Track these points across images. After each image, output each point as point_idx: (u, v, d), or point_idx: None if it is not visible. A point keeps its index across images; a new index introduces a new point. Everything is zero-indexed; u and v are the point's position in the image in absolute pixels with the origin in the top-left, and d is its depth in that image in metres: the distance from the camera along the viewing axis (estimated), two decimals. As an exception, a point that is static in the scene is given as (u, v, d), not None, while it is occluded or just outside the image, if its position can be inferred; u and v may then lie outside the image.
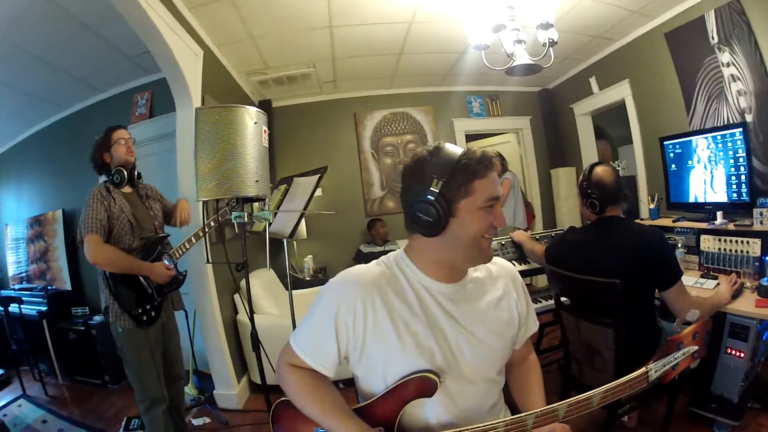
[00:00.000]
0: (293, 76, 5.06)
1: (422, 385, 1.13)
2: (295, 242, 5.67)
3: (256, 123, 2.25)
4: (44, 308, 4.56)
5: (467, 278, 1.26)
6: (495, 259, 1.33)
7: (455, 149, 1.15)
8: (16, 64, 3.85)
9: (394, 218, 5.80)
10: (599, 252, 2.22)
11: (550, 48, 2.93)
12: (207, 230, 2.65)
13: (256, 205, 2.45)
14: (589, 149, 5.91)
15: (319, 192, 5.45)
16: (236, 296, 3.89)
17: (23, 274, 5.52)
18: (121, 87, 4.62)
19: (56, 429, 3.52)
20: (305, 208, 2.72)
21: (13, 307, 4.53)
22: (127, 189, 2.66)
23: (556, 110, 6.36)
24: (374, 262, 1.28)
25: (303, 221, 5.01)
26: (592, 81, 5.32)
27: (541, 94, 6.48)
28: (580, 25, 4.24)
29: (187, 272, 3.43)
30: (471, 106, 6.34)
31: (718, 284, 2.65)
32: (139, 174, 2.74)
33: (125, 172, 2.60)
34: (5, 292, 5.23)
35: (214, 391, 3.69)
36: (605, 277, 2.05)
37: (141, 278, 2.48)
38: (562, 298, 2.51)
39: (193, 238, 2.61)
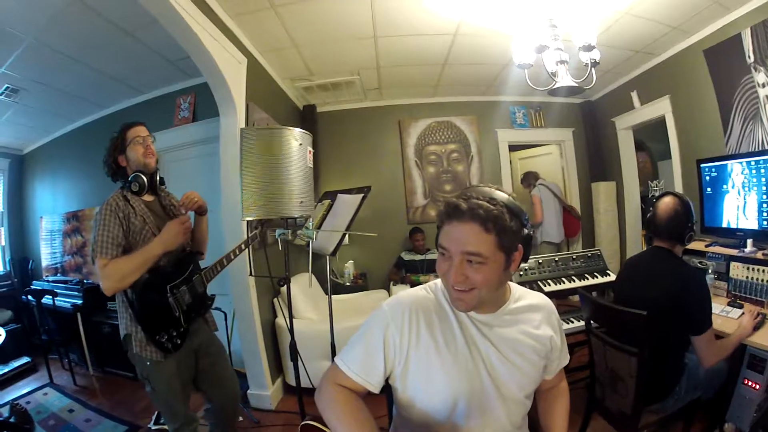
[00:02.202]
0: (337, 83, 5.32)
1: None
2: None
3: (300, 144, 2.36)
4: (79, 302, 4.80)
5: (504, 309, 1.41)
6: (536, 293, 1.53)
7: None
8: (51, 65, 4.06)
9: (434, 228, 5.91)
10: (643, 278, 2.46)
11: (593, 68, 3.09)
12: (236, 255, 2.52)
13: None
14: (629, 164, 6.07)
15: None
16: (276, 300, 4.13)
17: (57, 266, 5.81)
18: (164, 89, 4.85)
19: (83, 419, 3.67)
20: (347, 229, 2.89)
21: (47, 299, 4.75)
22: (148, 197, 2.38)
23: (598, 123, 6.54)
24: (422, 287, 1.48)
25: (347, 232, 5.38)
26: (634, 95, 5.45)
27: (583, 106, 6.64)
28: (622, 39, 4.41)
29: (228, 280, 3.66)
30: (514, 117, 6.53)
31: (743, 314, 2.79)
32: (161, 179, 2.44)
33: (144, 179, 2.30)
34: (38, 284, 5.48)
35: (248, 391, 3.88)
36: (639, 305, 2.19)
37: (170, 299, 2.26)
38: (592, 322, 2.68)
39: (224, 260, 2.48)
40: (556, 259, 3.88)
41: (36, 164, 6.31)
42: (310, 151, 2.45)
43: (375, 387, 1.36)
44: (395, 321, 1.35)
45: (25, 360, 4.99)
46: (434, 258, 5.52)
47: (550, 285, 3.70)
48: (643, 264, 2.59)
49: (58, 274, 5.77)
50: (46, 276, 5.88)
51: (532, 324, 1.45)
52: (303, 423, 1.45)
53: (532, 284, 3.61)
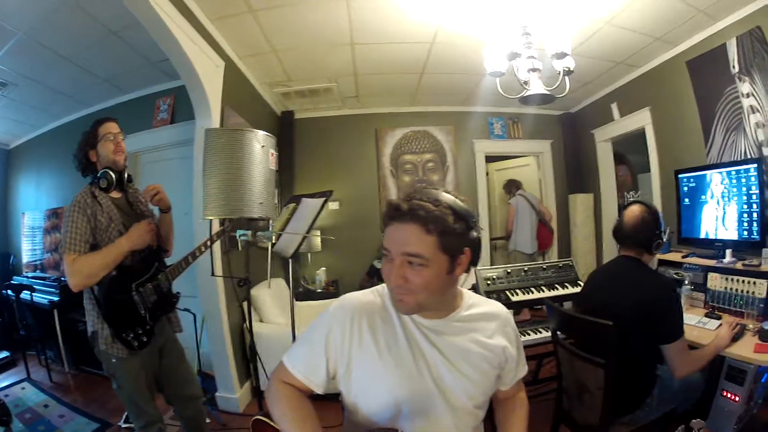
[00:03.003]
0: (315, 90, 5.16)
1: None
2: (309, 254, 5.81)
3: (263, 146, 2.35)
4: (56, 298, 4.65)
5: (454, 316, 1.33)
6: (491, 302, 1.44)
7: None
8: (40, 61, 3.95)
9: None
10: (610, 288, 2.34)
11: (566, 77, 2.94)
12: (201, 252, 2.42)
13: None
14: (608, 176, 5.90)
15: (336, 206, 5.81)
16: (245, 304, 3.84)
17: (37, 262, 5.68)
18: (145, 90, 4.71)
19: (57, 414, 3.62)
20: (307, 232, 2.80)
21: (25, 294, 4.66)
22: (116, 194, 2.31)
23: (577, 135, 6.35)
24: (370, 290, 1.39)
25: (318, 233, 5.54)
26: (614, 107, 5.30)
27: (563, 118, 6.46)
28: (602, 50, 4.25)
29: (196, 280, 3.53)
30: (492, 128, 6.36)
31: (721, 324, 2.66)
32: (129, 177, 2.36)
33: (113, 175, 2.23)
34: (18, 279, 5.37)
35: (216, 393, 3.76)
36: (606, 315, 2.08)
37: (135, 297, 2.19)
38: (559, 333, 2.54)
39: (190, 258, 2.38)
40: (526, 269, 3.65)
41: (21, 159, 6.15)
42: (272, 154, 2.45)
43: (319, 387, 1.30)
44: (338, 323, 1.29)
45: (4, 354, 4.91)
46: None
47: (518, 294, 3.47)
48: (610, 274, 2.49)
49: (38, 271, 5.63)
50: (26, 272, 5.74)
51: (485, 333, 1.35)
52: (254, 418, 1.41)
53: (500, 294, 3.41)
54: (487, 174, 6.68)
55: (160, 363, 2.42)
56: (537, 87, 2.98)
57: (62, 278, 4.97)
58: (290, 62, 4.42)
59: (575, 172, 6.40)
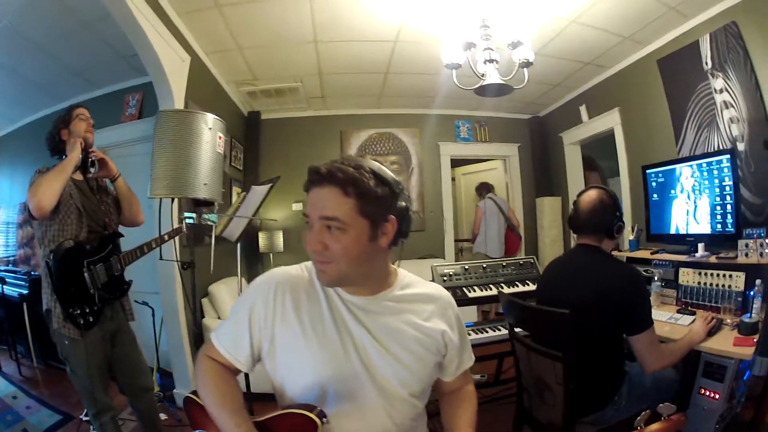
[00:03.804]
0: (281, 90, 4.92)
1: (303, 423, 1.05)
2: (271, 255, 5.54)
3: (210, 129, 2.29)
4: (26, 292, 4.46)
5: (385, 294, 1.19)
6: (431, 284, 1.31)
7: None
8: (20, 51, 3.82)
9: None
10: (571, 278, 2.07)
11: (525, 69, 2.73)
12: (158, 244, 2.35)
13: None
14: (576, 179, 5.62)
15: (299, 207, 5.69)
16: (204, 300, 3.85)
17: (11, 258, 5.49)
18: (115, 86, 4.53)
19: (25, 405, 3.59)
20: (253, 215, 2.70)
21: None
22: (77, 176, 2.25)
23: (545, 139, 6.08)
24: (298, 265, 1.26)
25: (281, 234, 5.40)
26: (582, 109, 5.04)
27: (531, 122, 6.22)
28: (570, 50, 4.02)
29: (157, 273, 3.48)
30: (459, 131, 6.12)
31: (695, 320, 2.39)
32: (92, 162, 2.30)
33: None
34: None
35: (174, 390, 3.55)
36: (567, 305, 1.82)
37: (85, 275, 2.10)
38: (517, 329, 2.28)
39: (145, 248, 2.33)
40: (484, 265, 3.30)
41: (-3, 155, 5.90)
42: (220, 137, 2.39)
43: (243, 365, 1.18)
44: (262, 297, 1.17)
45: (-25, 348, 4.73)
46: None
47: (475, 291, 3.13)
48: (567, 264, 2.22)
49: (10, 265, 5.40)
50: (-1, 267, 5.54)
51: (421, 315, 1.21)
52: (186, 395, 1.27)
53: (456, 290, 3.07)
54: (453, 179, 6.46)
55: (113, 350, 2.33)
56: (494, 78, 2.76)
57: (33, 272, 4.81)
58: (255, 60, 4.19)
59: (543, 176, 6.13)
